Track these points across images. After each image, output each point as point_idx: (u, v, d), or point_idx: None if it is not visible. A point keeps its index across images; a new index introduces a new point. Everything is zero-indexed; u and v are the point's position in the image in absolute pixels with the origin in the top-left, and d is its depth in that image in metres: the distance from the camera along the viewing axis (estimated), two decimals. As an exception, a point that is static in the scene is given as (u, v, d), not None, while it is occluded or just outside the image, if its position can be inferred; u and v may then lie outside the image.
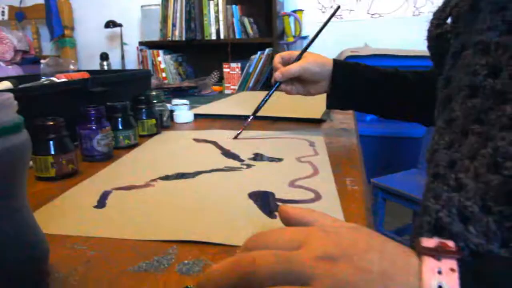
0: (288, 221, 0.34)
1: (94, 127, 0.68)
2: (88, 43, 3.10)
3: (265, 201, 0.51)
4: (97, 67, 2.78)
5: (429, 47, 0.47)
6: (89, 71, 1.05)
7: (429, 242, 0.31)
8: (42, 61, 1.01)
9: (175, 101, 1.18)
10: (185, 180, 0.59)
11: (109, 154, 0.70)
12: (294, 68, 0.78)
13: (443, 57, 0.42)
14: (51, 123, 0.60)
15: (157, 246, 0.41)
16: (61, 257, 0.39)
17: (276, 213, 0.47)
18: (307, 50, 0.82)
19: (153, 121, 0.87)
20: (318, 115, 1.00)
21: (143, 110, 0.86)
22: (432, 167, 0.44)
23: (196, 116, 1.07)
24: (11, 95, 0.32)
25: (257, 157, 0.69)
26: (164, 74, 2.59)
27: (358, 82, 0.78)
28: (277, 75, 0.81)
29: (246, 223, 0.45)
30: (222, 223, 0.45)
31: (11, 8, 3.03)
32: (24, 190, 0.34)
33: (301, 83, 0.82)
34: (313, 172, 0.61)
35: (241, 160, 0.68)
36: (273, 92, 0.84)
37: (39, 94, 0.71)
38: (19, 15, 3.02)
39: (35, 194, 0.55)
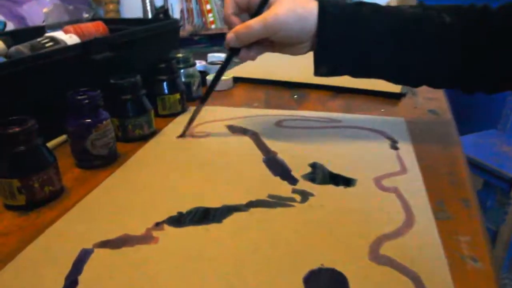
0: None
1: (86, 122, 0.48)
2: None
3: (332, 301, 0.30)
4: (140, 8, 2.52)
5: None
6: (106, 20, 0.83)
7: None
8: (44, 10, 0.81)
9: (212, 56, 0.95)
10: (206, 227, 0.38)
11: (110, 157, 0.51)
12: (256, 26, 0.48)
13: None
14: (16, 129, 0.41)
15: None
16: None
17: None
18: None
19: (177, 96, 0.66)
20: (397, 87, 0.74)
21: (164, 82, 0.65)
22: None
23: (236, 80, 0.84)
24: None
25: (316, 173, 0.48)
26: (211, 17, 2.27)
27: (359, 36, 0.49)
28: (230, 38, 0.50)
29: None
30: None
31: None
32: None
33: (272, 44, 0.52)
34: (405, 220, 0.39)
35: (292, 180, 0.46)
36: (227, 66, 0.55)
37: (19, 71, 0.51)
38: None
39: (-10, 241, 0.38)
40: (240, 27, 0.49)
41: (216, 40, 1.19)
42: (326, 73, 0.52)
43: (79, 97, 0.48)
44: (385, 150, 0.53)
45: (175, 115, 0.67)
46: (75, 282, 0.32)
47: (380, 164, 0.49)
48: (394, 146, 0.54)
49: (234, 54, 0.53)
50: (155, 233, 0.38)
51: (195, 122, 0.63)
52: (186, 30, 1.08)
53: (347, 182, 0.46)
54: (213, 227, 0.38)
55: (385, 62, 0.51)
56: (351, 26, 0.49)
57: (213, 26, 2.12)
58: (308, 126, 0.61)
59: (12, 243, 0.37)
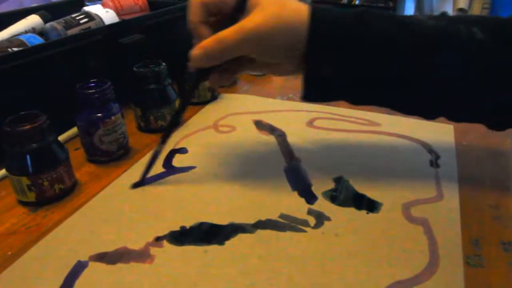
0: None
1: (94, 118, 0.46)
2: None
3: None
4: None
5: None
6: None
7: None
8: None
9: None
10: (205, 248, 0.36)
11: (120, 153, 0.50)
12: (230, 39, 0.36)
13: None
14: (26, 127, 0.40)
15: None
16: None
17: None
18: None
19: (207, 84, 0.63)
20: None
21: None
22: None
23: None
24: None
25: (339, 190, 0.43)
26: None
27: (364, 55, 0.37)
28: (195, 55, 0.38)
29: None
30: None
31: None
32: None
33: (251, 62, 0.41)
34: (427, 263, 0.34)
35: (310, 198, 0.42)
36: (190, 96, 0.46)
37: (38, 58, 0.50)
38: None
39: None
40: (209, 41, 0.37)
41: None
42: (317, 97, 0.41)
43: (87, 91, 0.46)
44: (423, 168, 0.47)
45: (204, 103, 0.64)
46: (65, 300, 0.32)
47: (414, 185, 0.44)
48: (435, 163, 0.48)
49: (202, 77, 0.41)
50: (152, 250, 0.36)
51: (223, 112, 0.60)
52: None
53: (371, 206, 0.41)
54: (213, 249, 0.36)
55: (394, 87, 0.39)
56: (350, 39, 0.37)
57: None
58: (342, 129, 0.56)
59: (16, 244, 0.37)
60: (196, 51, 0.38)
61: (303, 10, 0.37)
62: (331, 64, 0.37)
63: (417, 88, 0.38)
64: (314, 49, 0.37)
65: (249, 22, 0.36)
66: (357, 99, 0.41)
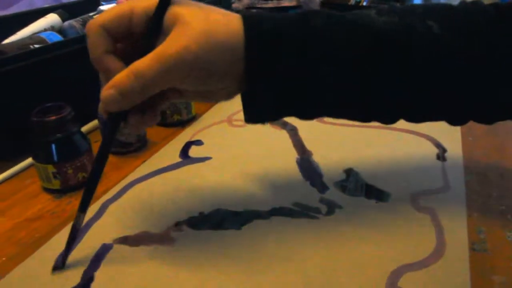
0: None
1: None
2: None
3: None
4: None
5: None
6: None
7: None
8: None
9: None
10: (223, 232, 0.38)
11: (138, 145, 0.52)
12: (150, 71, 0.28)
13: None
14: (52, 118, 0.42)
15: None
16: None
17: None
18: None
19: (221, 80, 0.65)
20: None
21: (207, 66, 0.64)
22: None
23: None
24: None
25: (349, 181, 0.45)
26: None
27: (311, 66, 0.31)
28: (108, 97, 0.29)
29: None
30: None
31: None
32: None
33: (178, 92, 0.34)
34: (434, 248, 0.36)
35: (322, 187, 0.44)
36: (109, 149, 0.33)
37: (57, 55, 0.53)
38: None
39: (24, 223, 0.40)
40: (123, 77, 0.28)
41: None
42: (264, 117, 0.34)
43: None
44: (430, 161, 0.49)
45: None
46: (91, 279, 0.34)
47: (422, 177, 0.46)
48: (442, 157, 0.49)
49: (117, 122, 0.31)
50: (173, 234, 0.38)
51: (236, 107, 0.62)
52: (242, 2, 1.05)
53: (380, 196, 0.43)
54: (230, 233, 0.38)
55: (347, 98, 0.33)
56: (295, 52, 0.30)
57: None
58: (352, 124, 0.57)
59: (43, 228, 0.40)
60: (107, 91, 0.29)
61: (233, 22, 0.30)
62: (278, 80, 0.31)
63: (369, 96, 0.33)
64: (256, 67, 0.30)
65: (170, 46, 0.28)
66: (307, 114, 0.35)
